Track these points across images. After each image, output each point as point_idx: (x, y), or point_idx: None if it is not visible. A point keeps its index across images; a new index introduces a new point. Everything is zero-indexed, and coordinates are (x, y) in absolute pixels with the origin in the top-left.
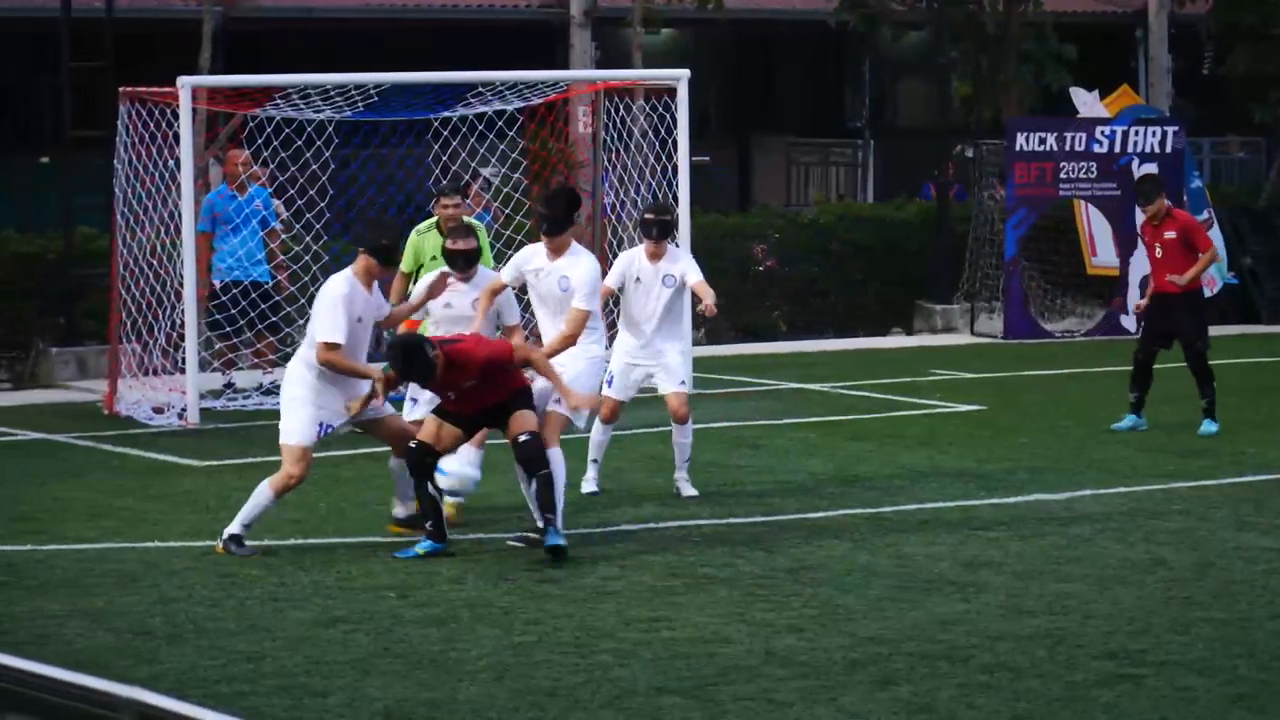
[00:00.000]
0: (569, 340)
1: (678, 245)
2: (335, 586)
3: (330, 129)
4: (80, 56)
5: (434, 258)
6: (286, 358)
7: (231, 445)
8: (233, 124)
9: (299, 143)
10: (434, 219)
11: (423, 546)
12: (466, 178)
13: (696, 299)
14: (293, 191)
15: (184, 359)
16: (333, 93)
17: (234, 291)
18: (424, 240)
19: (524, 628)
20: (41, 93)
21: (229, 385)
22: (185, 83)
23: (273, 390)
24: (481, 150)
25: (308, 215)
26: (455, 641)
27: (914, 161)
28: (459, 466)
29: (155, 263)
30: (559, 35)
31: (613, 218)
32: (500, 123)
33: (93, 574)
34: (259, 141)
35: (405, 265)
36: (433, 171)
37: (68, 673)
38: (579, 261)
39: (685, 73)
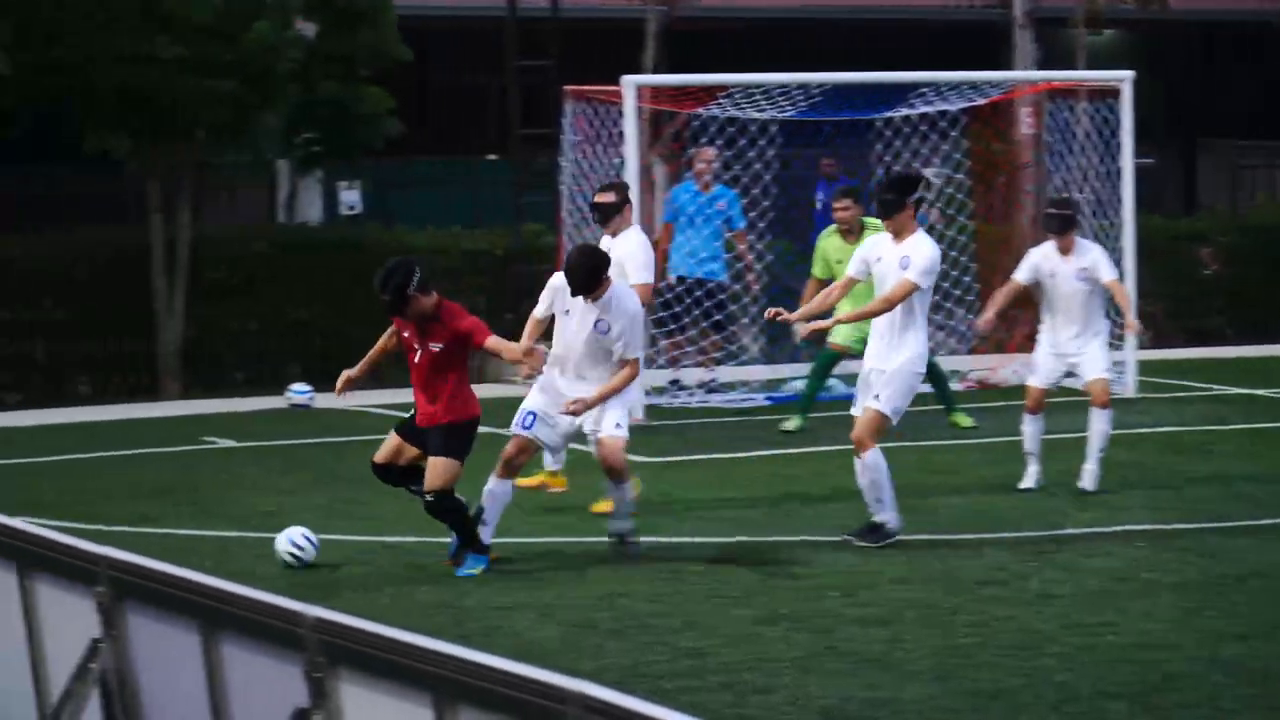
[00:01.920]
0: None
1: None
2: (778, 584)
3: (773, 128)
4: (526, 55)
5: (839, 261)
6: (731, 356)
7: (675, 442)
8: (676, 123)
9: (742, 142)
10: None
11: (473, 564)
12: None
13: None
14: (735, 191)
15: None
16: (775, 92)
17: (678, 289)
18: (827, 244)
19: (966, 630)
20: (489, 91)
21: (674, 382)
22: (629, 81)
23: (717, 388)
24: (924, 151)
25: (751, 214)
26: (898, 642)
27: None
28: (283, 537)
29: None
30: (1001, 36)
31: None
32: (943, 123)
33: (540, 567)
34: (702, 141)
35: (816, 270)
36: (875, 172)
37: (515, 664)
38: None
39: (1129, 74)
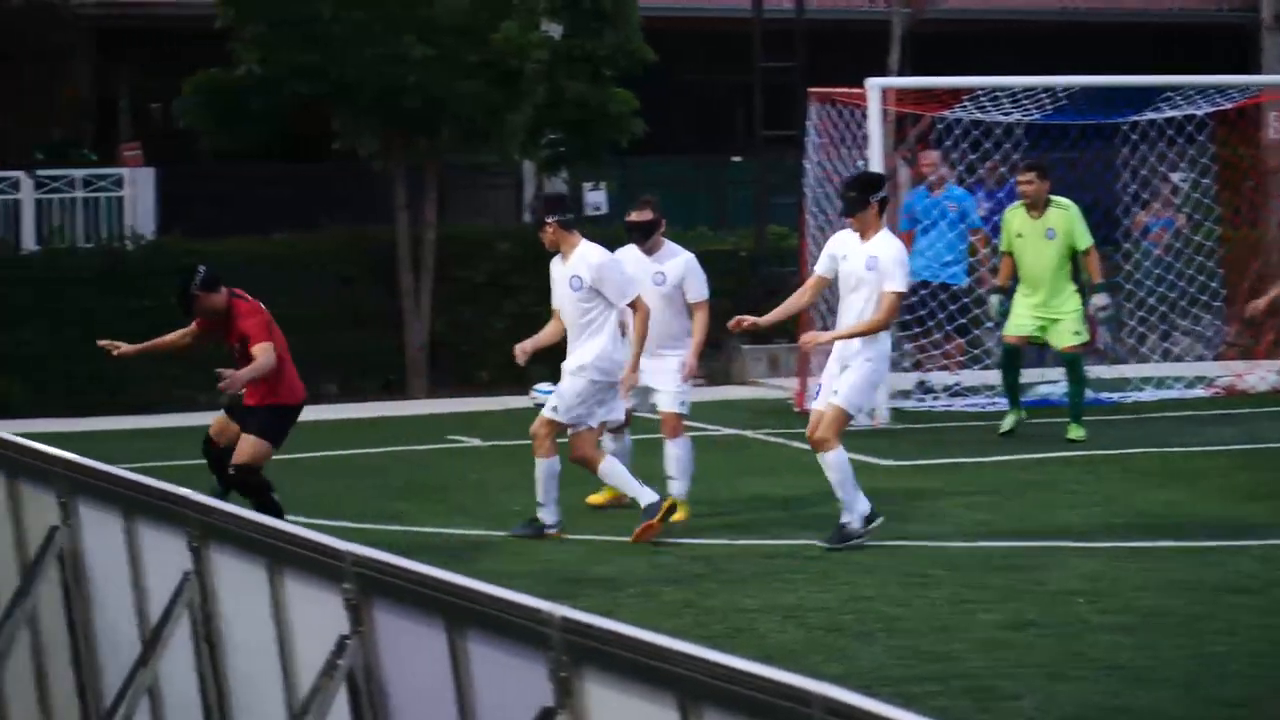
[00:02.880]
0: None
1: None
2: (1025, 589)
3: (1019, 131)
4: (771, 57)
5: (1020, 235)
6: (976, 360)
7: (919, 446)
8: (921, 125)
9: (987, 145)
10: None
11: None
12: (1155, 182)
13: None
14: (980, 193)
15: None
16: (1020, 95)
17: (923, 292)
18: (1012, 216)
19: (1216, 638)
20: (733, 92)
21: (921, 384)
22: (874, 84)
23: (961, 392)
24: (1170, 155)
25: (996, 218)
26: (1144, 649)
27: None
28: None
29: None
30: (1249, 38)
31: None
32: (1189, 128)
33: (786, 569)
34: (947, 143)
35: (1002, 243)
36: (1121, 176)
37: (760, 666)
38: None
39: None
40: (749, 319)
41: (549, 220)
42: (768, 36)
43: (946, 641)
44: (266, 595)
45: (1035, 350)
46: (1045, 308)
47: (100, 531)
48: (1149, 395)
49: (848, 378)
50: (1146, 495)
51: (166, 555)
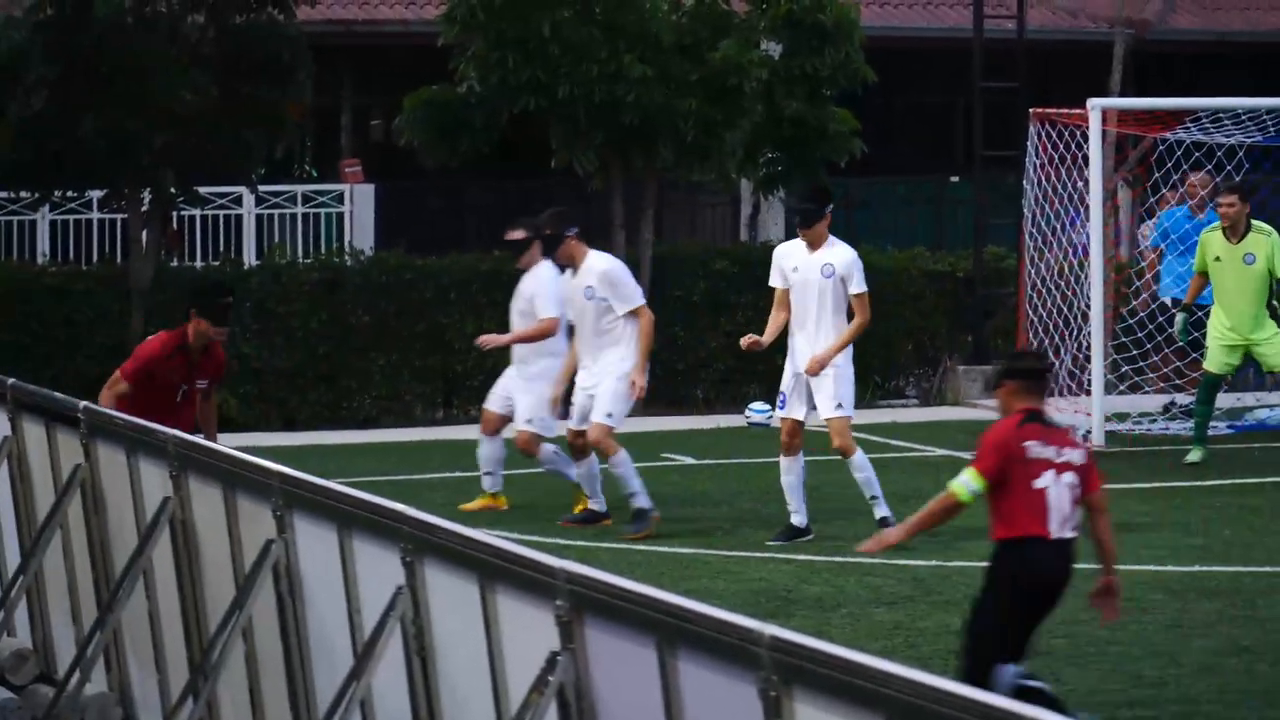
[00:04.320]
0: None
1: None
2: (1240, 615)
3: (1240, 153)
4: (992, 76)
5: (1217, 259)
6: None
7: (1135, 469)
8: (1142, 146)
9: (1209, 167)
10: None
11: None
12: None
13: None
14: (1162, 213)
15: (1090, 380)
16: (1244, 116)
17: (1172, 311)
18: (1210, 239)
19: None
20: (954, 112)
21: (1171, 404)
22: (1095, 104)
23: (1178, 415)
24: None
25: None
26: None
27: None
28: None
29: (1063, 284)
30: None
31: None
32: None
33: None
34: (1169, 165)
35: (1196, 264)
36: None
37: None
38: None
39: None
40: (751, 338)
41: (568, 234)
42: (989, 56)
43: (1160, 666)
44: (478, 610)
45: (1245, 373)
46: (1245, 336)
47: (315, 545)
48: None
49: (835, 387)
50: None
51: (379, 569)
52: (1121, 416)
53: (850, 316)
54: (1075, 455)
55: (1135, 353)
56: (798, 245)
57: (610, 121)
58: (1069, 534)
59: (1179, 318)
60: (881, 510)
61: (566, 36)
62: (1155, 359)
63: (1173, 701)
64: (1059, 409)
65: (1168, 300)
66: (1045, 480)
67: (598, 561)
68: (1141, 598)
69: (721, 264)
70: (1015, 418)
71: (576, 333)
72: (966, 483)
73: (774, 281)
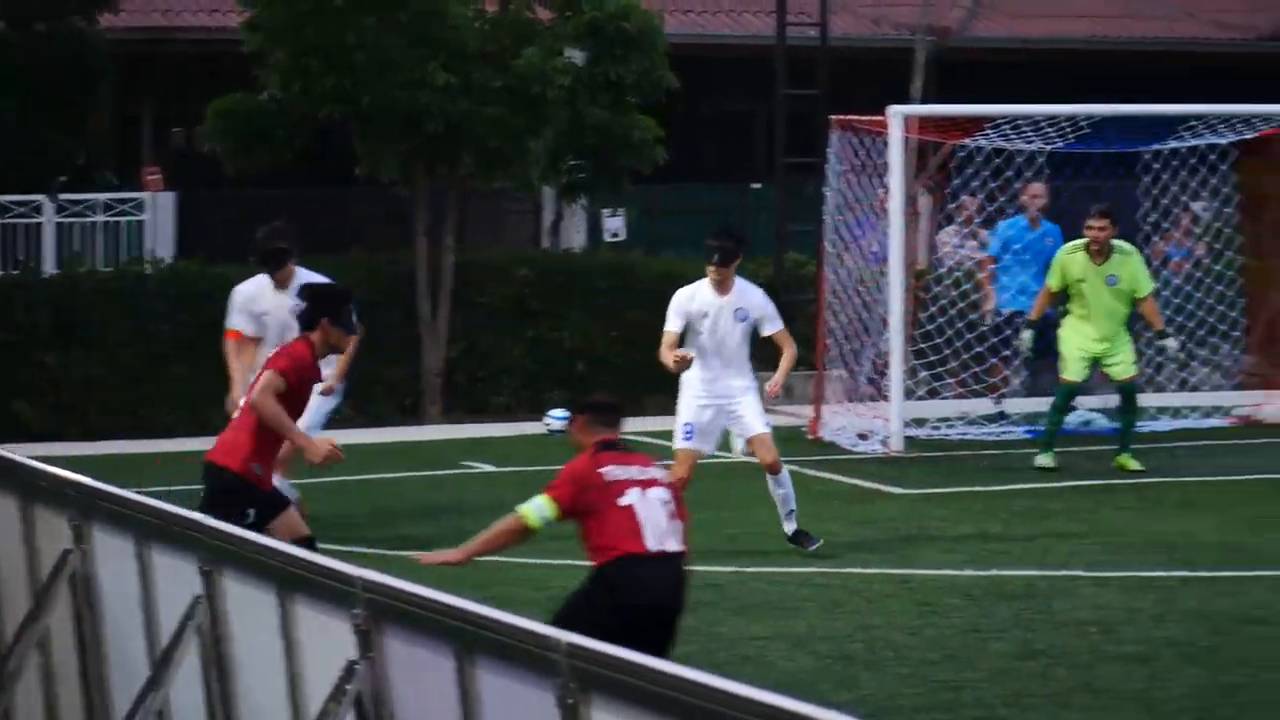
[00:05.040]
0: None
1: None
2: (1037, 619)
3: (1040, 160)
4: (795, 84)
5: (1081, 279)
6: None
7: (933, 474)
8: (942, 153)
9: (1008, 173)
10: (1084, 240)
11: None
12: (1176, 211)
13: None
14: (1001, 222)
15: (889, 386)
16: (1043, 123)
17: (1019, 322)
18: (1071, 260)
19: (1229, 668)
20: (757, 119)
21: (1001, 414)
22: (895, 111)
23: (976, 421)
24: (1192, 184)
25: (1015, 247)
26: (1156, 680)
27: None
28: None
29: (863, 290)
30: (1276, 68)
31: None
32: (1212, 156)
33: (795, 597)
34: (968, 171)
35: (1051, 282)
36: (1141, 205)
37: (768, 694)
38: None
39: None
40: (682, 353)
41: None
42: (791, 63)
43: (957, 670)
44: (276, 620)
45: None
46: (1100, 349)
47: (112, 555)
48: (1165, 425)
49: (754, 408)
50: (1161, 525)
51: (177, 579)
52: (920, 421)
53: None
54: (659, 474)
55: (993, 360)
56: (703, 288)
57: (414, 129)
58: (671, 547)
59: (1026, 334)
60: (791, 525)
61: (370, 44)
62: (954, 364)
63: (970, 706)
64: (859, 414)
65: (1007, 312)
66: (630, 497)
67: (398, 570)
68: (938, 602)
69: (524, 271)
70: (590, 450)
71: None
72: (539, 508)
73: (674, 326)
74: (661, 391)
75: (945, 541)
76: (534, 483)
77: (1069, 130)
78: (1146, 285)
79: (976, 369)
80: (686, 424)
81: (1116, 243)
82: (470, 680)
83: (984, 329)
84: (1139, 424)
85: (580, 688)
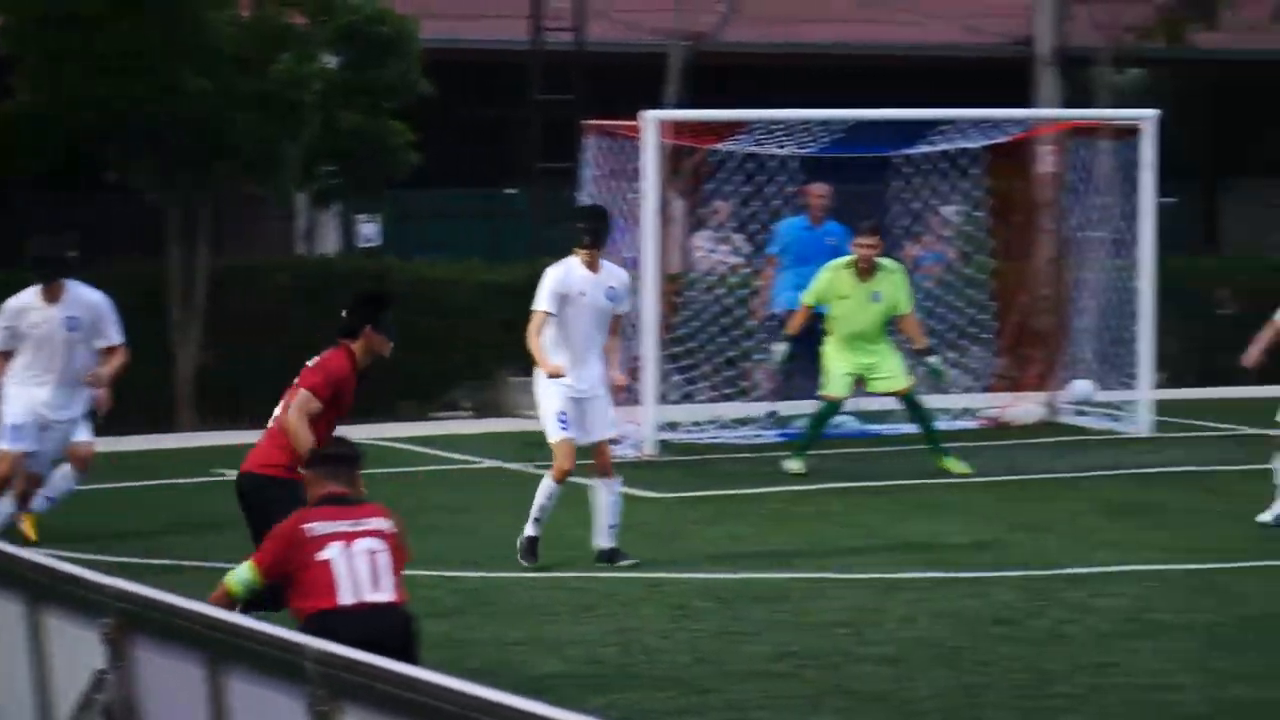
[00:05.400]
0: None
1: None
2: (789, 621)
3: (793, 164)
4: (551, 89)
5: (844, 297)
6: (742, 392)
7: (687, 477)
8: (696, 158)
9: (761, 177)
10: (850, 257)
11: None
12: (927, 215)
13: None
14: (754, 227)
15: (642, 390)
16: (796, 128)
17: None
18: (836, 278)
19: (975, 668)
20: (510, 124)
21: (771, 415)
22: (649, 116)
23: (729, 424)
24: (943, 188)
25: (768, 247)
26: (905, 681)
27: None
28: None
29: None
30: (1024, 73)
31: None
32: (963, 160)
33: (550, 602)
34: (720, 176)
35: (808, 298)
36: (893, 209)
37: (520, 700)
38: None
39: (1153, 113)
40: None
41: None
42: (546, 69)
43: (709, 673)
44: (24, 629)
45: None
46: (865, 364)
47: None
48: (916, 427)
49: (610, 407)
50: (911, 526)
51: None
52: (674, 425)
53: None
54: (381, 524)
55: (688, 362)
56: (574, 266)
57: (168, 136)
58: (373, 598)
59: (781, 347)
60: (605, 543)
61: (123, 51)
62: (707, 368)
63: (722, 708)
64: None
65: (781, 312)
66: (330, 552)
67: (148, 579)
68: (690, 605)
69: (280, 277)
70: (308, 506)
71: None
72: (240, 575)
73: (550, 306)
74: (414, 396)
75: (698, 544)
76: None
77: (822, 134)
78: (908, 303)
79: (729, 373)
80: (560, 413)
81: (881, 260)
82: (221, 689)
83: (737, 333)
84: (881, 427)
85: (330, 695)
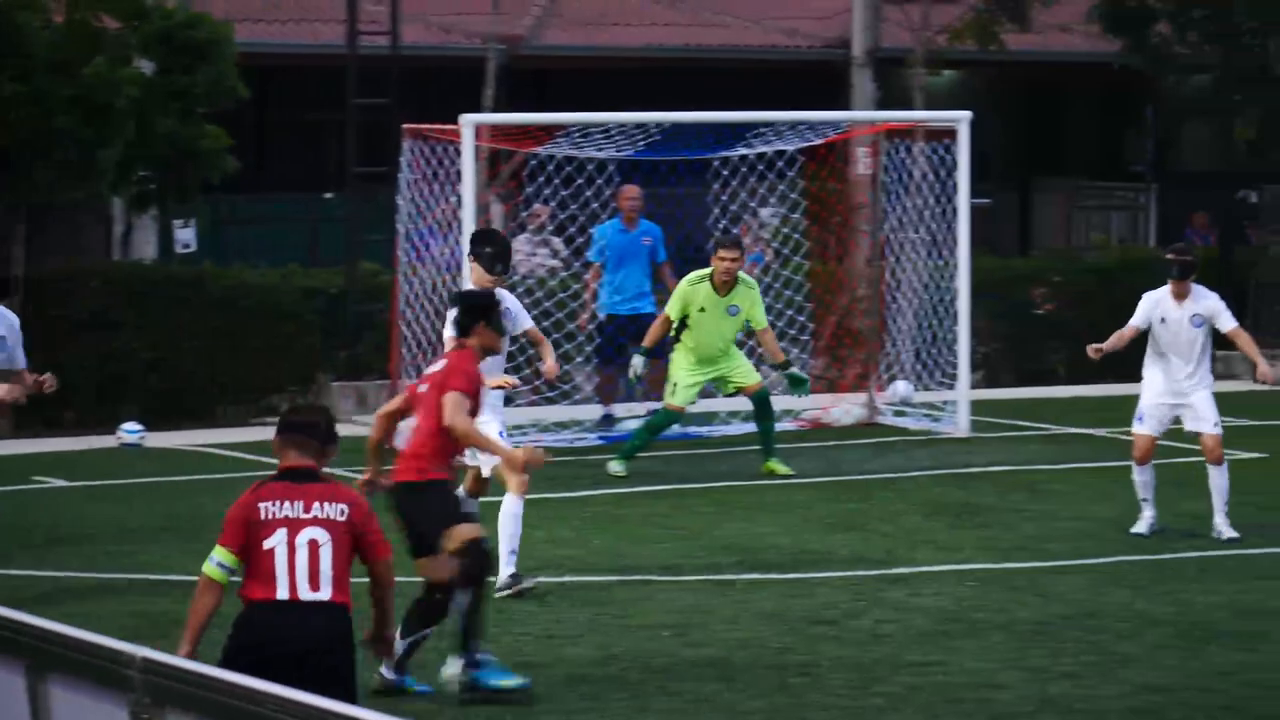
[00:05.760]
0: None
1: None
2: (612, 624)
3: (611, 167)
4: (365, 93)
5: (702, 309)
6: (565, 396)
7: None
8: (514, 162)
9: (579, 181)
10: (708, 270)
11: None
12: (745, 217)
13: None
14: (573, 230)
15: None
16: (614, 131)
17: (611, 327)
18: (695, 291)
19: (798, 669)
20: (327, 129)
21: (607, 417)
22: (467, 120)
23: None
24: (760, 190)
25: (588, 254)
26: (729, 682)
27: (1197, 206)
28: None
29: (436, 299)
30: (840, 76)
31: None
32: (780, 163)
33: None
34: (540, 179)
35: (671, 311)
36: (711, 211)
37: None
38: None
39: (966, 115)
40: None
41: None
42: (363, 73)
43: (533, 676)
44: None
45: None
46: (714, 372)
47: None
48: (736, 429)
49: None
50: (734, 528)
51: None
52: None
53: None
54: (334, 511)
55: (508, 365)
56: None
57: None
58: (309, 595)
59: (639, 360)
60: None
61: None
62: (527, 371)
63: (546, 712)
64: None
65: (604, 316)
66: (274, 540)
67: None
68: (512, 609)
69: (96, 282)
70: (262, 481)
71: None
72: (213, 558)
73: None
74: (235, 401)
75: (521, 547)
76: (105, 497)
77: (640, 138)
78: (764, 318)
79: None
80: (500, 432)
81: (741, 275)
82: (42, 697)
83: (558, 336)
84: (702, 429)
85: (154, 701)
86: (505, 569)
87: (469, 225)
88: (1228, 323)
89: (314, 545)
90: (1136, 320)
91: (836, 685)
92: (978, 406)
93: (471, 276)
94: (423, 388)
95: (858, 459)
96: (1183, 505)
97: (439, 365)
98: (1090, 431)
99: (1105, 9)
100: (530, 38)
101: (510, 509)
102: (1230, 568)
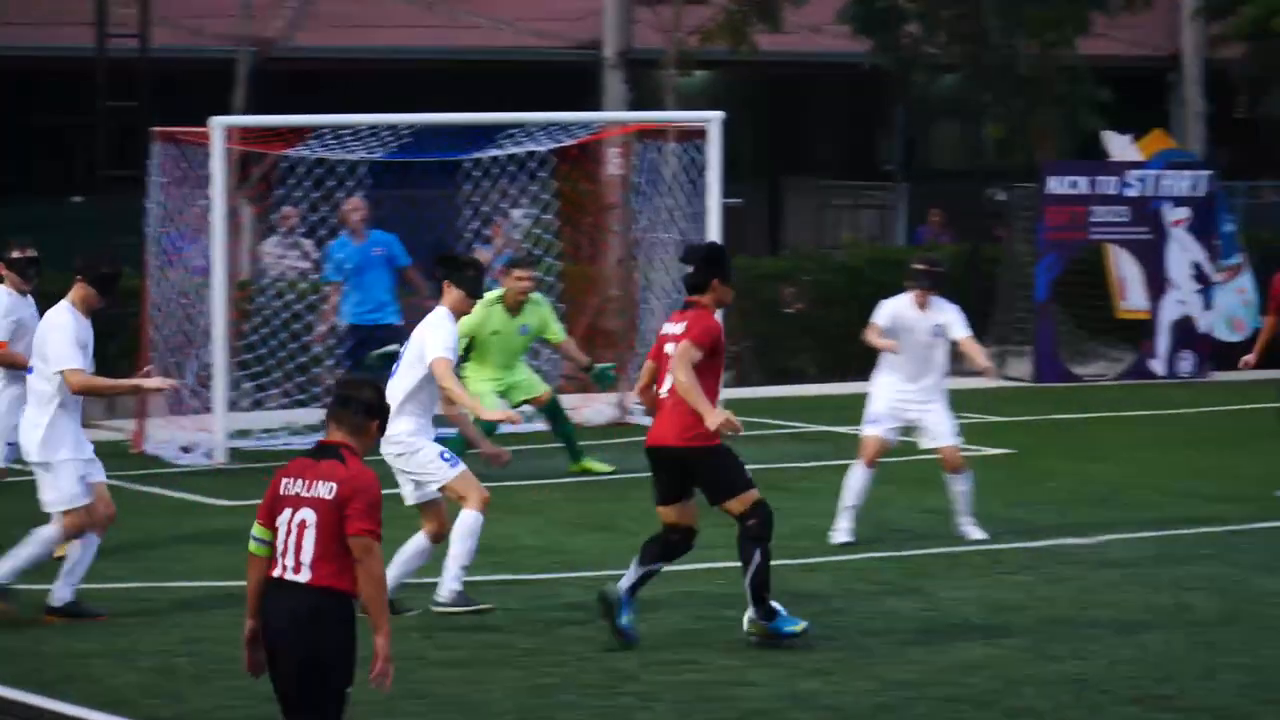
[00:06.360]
0: None
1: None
2: (360, 625)
3: (363, 170)
4: (114, 96)
5: (495, 332)
6: (314, 399)
7: (259, 485)
8: (264, 165)
9: (331, 183)
10: (498, 292)
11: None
12: (496, 218)
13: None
14: (324, 232)
15: (213, 398)
16: (364, 133)
17: (353, 338)
18: (488, 314)
19: (547, 669)
20: (75, 132)
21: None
22: (217, 123)
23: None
24: (512, 191)
25: (348, 264)
26: (478, 683)
27: (946, 205)
28: None
29: (186, 302)
30: (592, 77)
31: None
32: (532, 164)
33: (121, 613)
34: (290, 182)
35: (465, 331)
36: (462, 212)
37: (92, 712)
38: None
39: (717, 115)
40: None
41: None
42: (112, 76)
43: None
44: None
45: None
46: (505, 382)
47: None
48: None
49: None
50: (487, 529)
51: None
52: (245, 433)
53: None
54: (324, 489)
55: (258, 369)
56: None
57: None
58: (292, 576)
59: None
60: (457, 586)
61: None
62: (278, 375)
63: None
64: (182, 428)
65: (345, 325)
66: (282, 518)
67: None
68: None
69: None
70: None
71: None
72: (252, 532)
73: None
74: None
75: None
76: None
77: (390, 140)
78: (561, 330)
79: (300, 379)
80: (442, 452)
81: (532, 294)
82: None
83: (311, 342)
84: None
85: None
86: (451, 584)
87: (220, 229)
88: (961, 331)
89: (302, 526)
90: (880, 321)
91: (586, 684)
92: (727, 405)
93: (446, 300)
94: (669, 347)
95: (608, 459)
96: (929, 501)
97: (677, 325)
98: (840, 429)
99: (855, 9)
100: (281, 40)
101: (468, 524)
102: (977, 564)
